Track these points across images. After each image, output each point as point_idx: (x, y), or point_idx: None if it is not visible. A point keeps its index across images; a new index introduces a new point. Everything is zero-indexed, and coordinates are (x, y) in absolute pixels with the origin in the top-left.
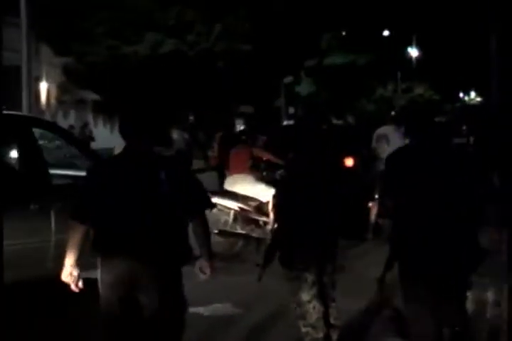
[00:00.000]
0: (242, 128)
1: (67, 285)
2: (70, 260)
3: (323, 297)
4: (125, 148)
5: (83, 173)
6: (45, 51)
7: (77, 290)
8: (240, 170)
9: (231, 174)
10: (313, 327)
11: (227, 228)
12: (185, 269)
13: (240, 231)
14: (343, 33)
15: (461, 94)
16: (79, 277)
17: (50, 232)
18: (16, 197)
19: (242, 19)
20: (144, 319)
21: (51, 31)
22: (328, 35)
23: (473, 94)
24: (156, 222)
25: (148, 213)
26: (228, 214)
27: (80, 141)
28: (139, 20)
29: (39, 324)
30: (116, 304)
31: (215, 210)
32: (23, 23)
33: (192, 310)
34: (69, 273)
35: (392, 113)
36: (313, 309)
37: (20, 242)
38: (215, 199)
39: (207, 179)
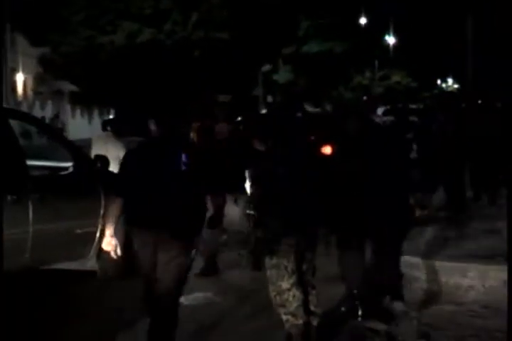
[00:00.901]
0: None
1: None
2: (109, 230)
3: (303, 285)
4: (152, 135)
5: (60, 164)
6: (21, 42)
7: (115, 257)
8: None
9: None
10: (293, 314)
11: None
12: None
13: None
14: (321, 21)
15: (438, 81)
16: (117, 246)
17: (28, 223)
18: None
19: (218, 7)
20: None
21: (27, 21)
22: (305, 22)
23: (450, 81)
24: (176, 198)
25: (170, 189)
26: None
27: (56, 132)
28: (116, 9)
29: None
30: (146, 260)
31: None
32: None
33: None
34: (109, 242)
35: (364, 98)
36: (293, 297)
37: None
38: None
39: None
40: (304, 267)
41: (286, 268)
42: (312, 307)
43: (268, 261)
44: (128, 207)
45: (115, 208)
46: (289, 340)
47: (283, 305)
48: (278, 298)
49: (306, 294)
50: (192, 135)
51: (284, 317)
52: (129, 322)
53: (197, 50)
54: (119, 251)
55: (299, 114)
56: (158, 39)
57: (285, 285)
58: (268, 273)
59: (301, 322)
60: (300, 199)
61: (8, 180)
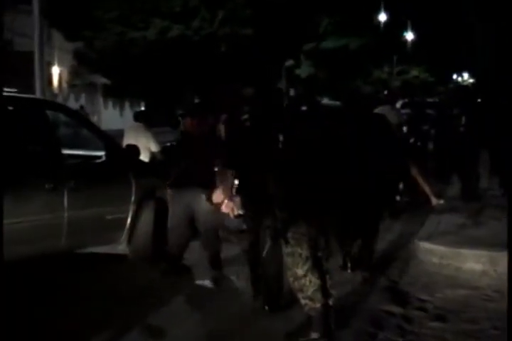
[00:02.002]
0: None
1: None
2: (227, 195)
3: (319, 270)
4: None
5: (93, 153)
6: (57, 37)
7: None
8: None
9: None
10: (311, 298)
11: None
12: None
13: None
14: (338, 18)
15: (454, 76)
16: (234, 207)
17: (64, 209)
18: (32, 176)
19: (242, 5)
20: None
21: (63, 17)
22: (325, 20)
23: (466, 75)
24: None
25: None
26: None
27: (91, 123)
28: (146, 7)
29: (52, 300)
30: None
31: None
32: (35, 10)
33: (198, 282)
34: (227, 204)
35: (385, 92)
36: (310, 282)
37: (36, 218)
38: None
39: None
40: (320, 253)
41: (300, 255)
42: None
43: (284, 249)
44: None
45: (229, 177)
46: (312, 323)
47: (301, 290)
48: (296, 283)
49: (323, 280)
50: (220, 127)
51: (303, 301)
52: (156, 301)
53: (223, 45)
54: (236, 212)
55: (304, 108)
56: (187, 35)
57: (300, 271)
58: (284, 259)
59: (318, 305)
60: (308, 189)
61: (45, 168)
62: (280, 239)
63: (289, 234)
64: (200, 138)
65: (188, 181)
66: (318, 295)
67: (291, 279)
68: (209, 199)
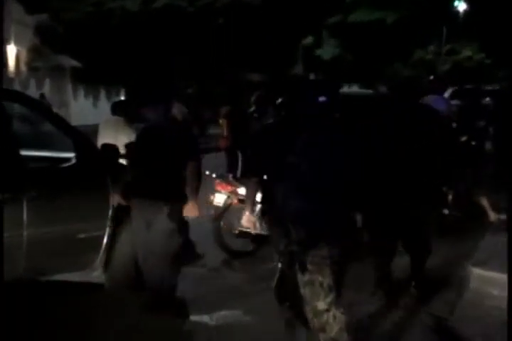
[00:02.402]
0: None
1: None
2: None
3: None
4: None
5: (60, 154)
6: (15, 8)
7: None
8: None
9: None
10: (336, 340)
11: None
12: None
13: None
14: None
15: None
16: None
17: (22, 226)
18: None
19: None
20: None
21: None
22: None
23: None
24: None
25: None
26: None
27: (57, 116)
28: None
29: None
30: None
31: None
32: None
33: (194, 318)
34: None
35: (431, 78)
36: (334, 319)
37: None
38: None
39: (211, 161)
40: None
41: (321, 284)
42: None
43: (300, 278)
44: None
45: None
46: None
47: (323, 330)
48: (316, 320)
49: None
50: (221, 121)
51: None
52: None
53: (222, 18)
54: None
55: (323, 99)
56: (177, 5)
57: (321, 305)
58: (301, 291)
59: None
60: (330, 200)
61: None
62: (296, 266)
63: (308, 259)
64: (162, 133)
65: (145, 191)
66: (345, 336)
67: (309, 316)
68: (173, 213)
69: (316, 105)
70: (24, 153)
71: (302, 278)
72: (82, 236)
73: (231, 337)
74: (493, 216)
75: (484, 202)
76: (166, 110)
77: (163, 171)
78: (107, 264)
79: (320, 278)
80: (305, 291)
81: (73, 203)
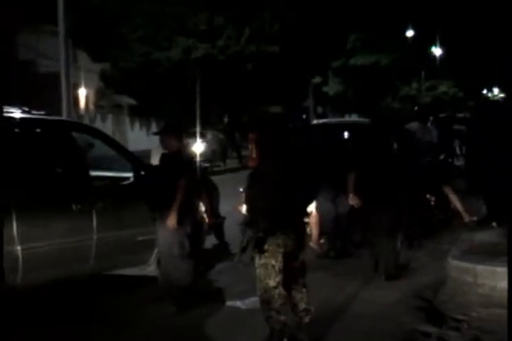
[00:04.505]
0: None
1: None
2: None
3: (289, 283)
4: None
5: (122, 174)
6: (83, 57)
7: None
8: None
9: None
10: (277, 311)
11: None
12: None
13: None
14: (367, 34)
15: (484, 91)
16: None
17: (92, 231)
18: (59, 198)
19: (269, 22)
20: None
21: (88, 38)
22: (353, 36)
23: (496, 90)
24: None
25: None
26: None
27: (118, 144)
28: (172, 26)
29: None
30: None
31: None
32: (61, 31)
33: (228, 303)
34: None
35: (415, 108)
36: (278, 295)
37: (64, 241)
38: None
39: (241, 178)
40: (295, 266)
41: (273, 267)
42: (304, 305)
43: (257, 260)
44: None
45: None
46: (271, 335)
47: (268, 302)
48: (264, 295)
49: (290, 293)
50: (250, 146)
51: (267, 314)
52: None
53: (249, 63)
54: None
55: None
56: (211, 54)
57: (272, 283)
58: (257, 271)
59: (283, 318)
60: (289, 197)
61: (74, 190)
62: (255, 250)
63: (265, 246)
64: (169, 157)
65: (165, 203)
66: (285, 308)
67: (260, 291)
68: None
69: None
70: (93, 173)
71: (258, 261)
72: (140, 238)
73: (260, 319)
74: (466, 218)
75: (459, 206)
76: (175, 139)
77: (169, 187)
78: (159, 261)
79: (273, 262)
80: (260, 271)
81: (132, 212)
